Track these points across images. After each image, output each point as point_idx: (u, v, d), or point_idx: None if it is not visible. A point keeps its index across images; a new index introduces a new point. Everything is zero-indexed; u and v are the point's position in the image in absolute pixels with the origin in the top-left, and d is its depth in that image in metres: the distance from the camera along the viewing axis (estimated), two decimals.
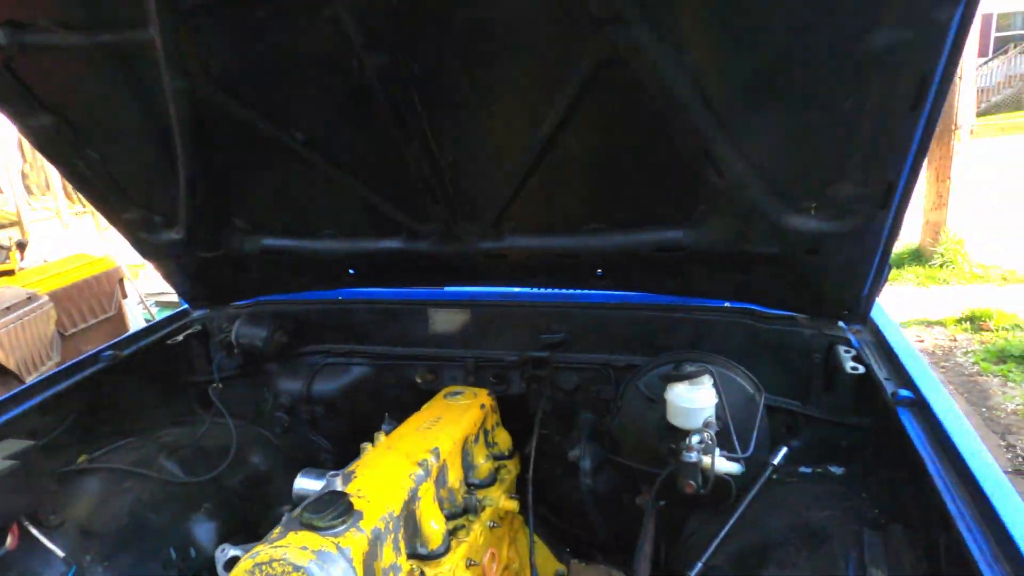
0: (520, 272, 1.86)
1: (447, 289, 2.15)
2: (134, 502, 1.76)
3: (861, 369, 1.54)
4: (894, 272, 7.87)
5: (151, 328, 2.22)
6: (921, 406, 1.30)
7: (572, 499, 1.97)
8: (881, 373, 1.47)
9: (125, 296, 5.20)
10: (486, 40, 1.29)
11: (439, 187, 1.62)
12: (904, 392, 1.35)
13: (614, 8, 1.13)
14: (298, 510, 1.26)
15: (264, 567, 1.11)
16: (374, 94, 1.41)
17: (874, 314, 1.68)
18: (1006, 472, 3.82)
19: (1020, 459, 3.96)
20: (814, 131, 1.24)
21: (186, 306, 2.33)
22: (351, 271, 2.05)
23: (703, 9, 1.13)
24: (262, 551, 1.13)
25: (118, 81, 1.51)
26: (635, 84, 1.25)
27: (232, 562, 1.23)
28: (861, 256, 1.41)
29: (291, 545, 1.13)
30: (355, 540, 1.21)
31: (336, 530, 1.20)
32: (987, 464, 1.08)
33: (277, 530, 1.22)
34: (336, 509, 1.23)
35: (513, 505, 1.79)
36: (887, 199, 1.27)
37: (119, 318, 5.06)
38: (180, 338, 2.20)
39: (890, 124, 1.15)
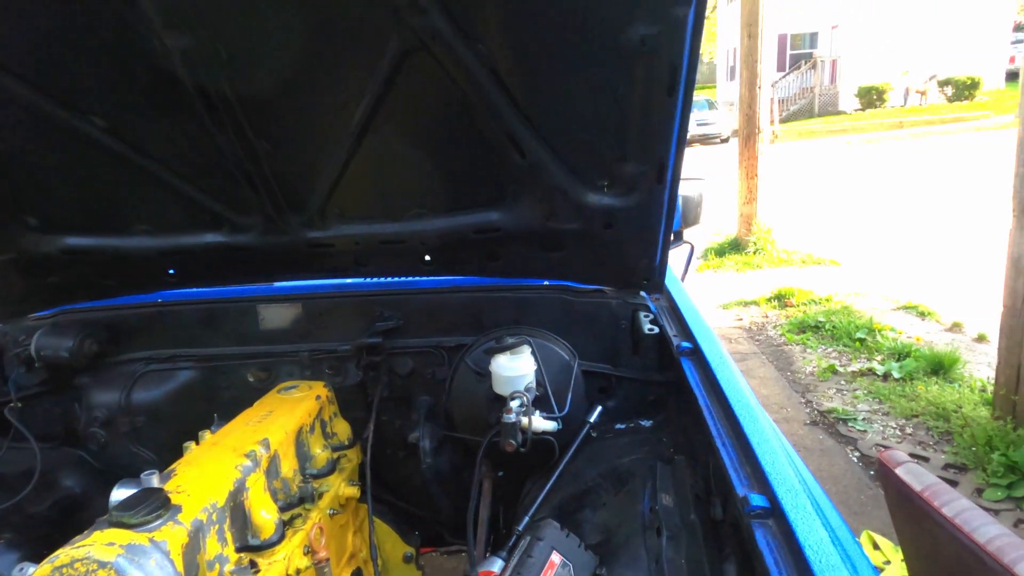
0: (350, 262, 1.89)
1: (276, 284, 2.11)
2: None
3: (656, 330, 1.75)
4: (718, 260, 8.80)
5: None
6: (697, 354, 1.52)
7: (415, 481, 2.02)
8: (671, 331, 1.69)
9: None
10: (293, 22, 1.31)
11: (258, 176, 1.61)
12: (685, 344, 1.56)
13: None
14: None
15: (64, 569, 1.05)
16: (180, 78, 1.37)
17: (668, 284, 1.91)
18: (804, 424, 4.45)
19: (816, 412, 4.61)
20: (596, 116, 1.41)
21: None
22: (170, 271, 1.94)
23: (489, 1, 1.24)
24: (62, 554, 1.07)
25: None
26: (439, 70, 1.34)
27: None
28: (648, 226, 1.61)
29: (96, 543, 1.08)
30: (172, 533, 1.17)
31: (150, 525, 1.16)
32: (740, 394, 1.29)
33: (82, 535, 1.15)
34: (150, 505, 1.18)
35: (353, 491, 1.80)
36: (662, 174, 1.47)
37: None
38: None
39: (655, 107, 1.34)
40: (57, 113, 1.46)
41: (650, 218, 1.59)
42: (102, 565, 1.05)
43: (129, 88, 1.44)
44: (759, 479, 1.05)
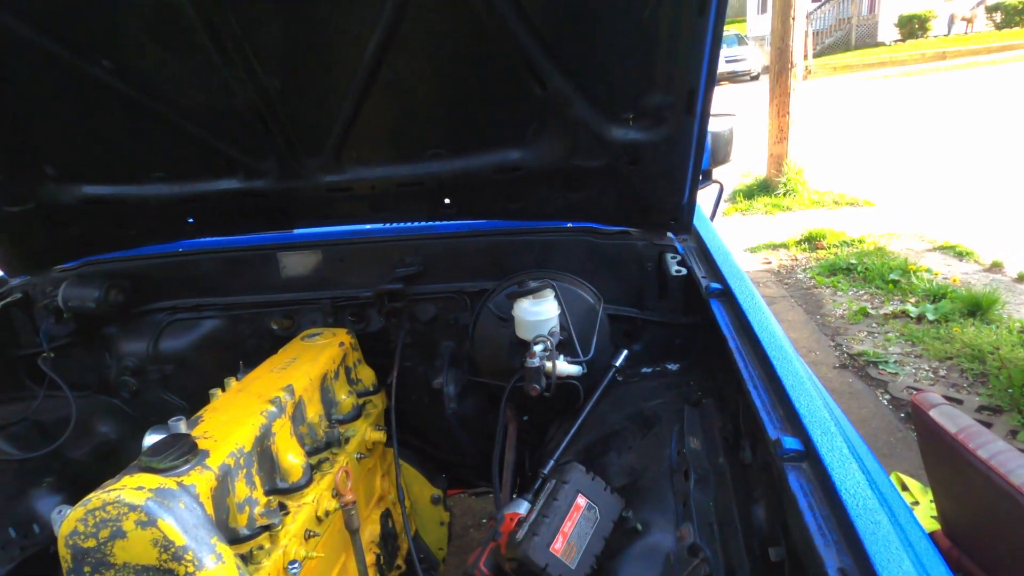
0: (368, 206, 1.85)
1: (296, 232, 2.09)
2: None
3: (684, 271, 1.69)
4: (747, 203, 8.57)
5: None
6: (727, 295, 1.46)
7: (440, 425, 2.03)
8: (700, 272, 1.63)
9: None
10: None
11: (271, 117, 1.56)
12: (715, 285, 1.50)
13: None
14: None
15: (97, 512, 1.07)
16: (186, 12, 1.31)
17: (697, 224, 1.83)
18: (833, 367, 4.38)
19: (846, 355, 4.54)
20: (621, 42, 1.32)
21: (2, 275, 2.11)
22: (189, 219, 1.93)
23: None
24: (94, 497, 1.09)
25: None
26: None
27: None
28: (676, 163, 1.53)
29: (126, 487, 1.09)
30: (200, 477, 1.18)
31: (178, 470, 1.17)
32: (773, 336, 1.24)
33: (112, 479, 1.17)
34: (178, 450, 1.19)
35: (380, 436, 1.82)
36: (691, 105, 1.38)
37: None
38: None
39: (683, 30, 1.24)
40: (66, 57, 1.42)
41: (678, 153, 1.50)
42: (132, 508, 1.06)
43: (135, 26, 1.39)
44: (792, 421, 1.01)
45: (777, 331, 1.26)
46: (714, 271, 1.60)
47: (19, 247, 1.96)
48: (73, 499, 1.78)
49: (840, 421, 1.05)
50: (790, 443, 0.95)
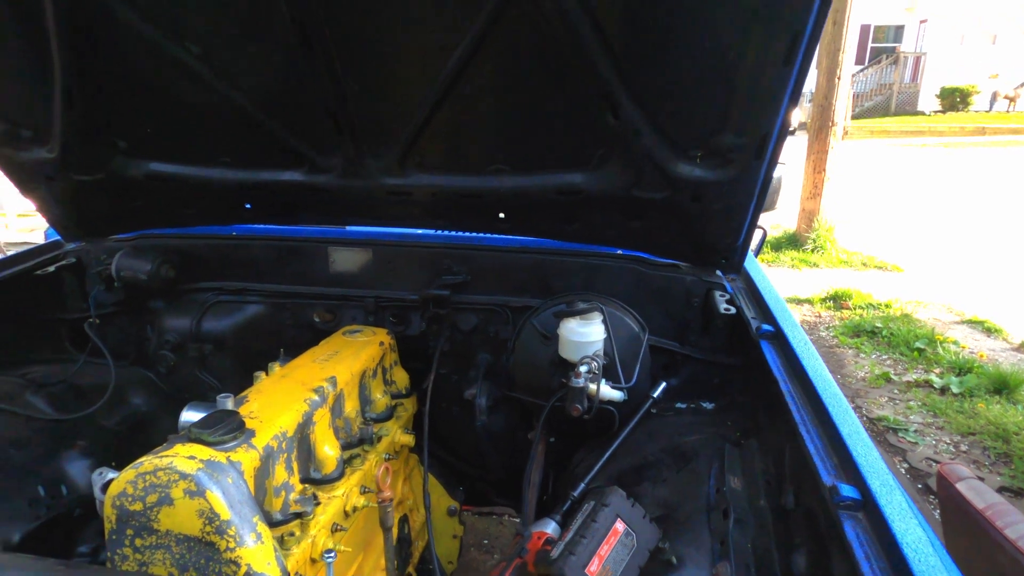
0: (424, 212, 1.88)
1: (348, 228, 2.12)
2: None
3: (733, 310, 1.69)
4: (773, 255, 8.53)
5: (16, 258, 2.04)
6: (779, 338, 1.46)
7: (468, 437, 2.03)
8: (749, 313, 1.63)
9: None
10: None
11: (343, 117, 1.60)
12: (766, 327, 1.50)
13: None
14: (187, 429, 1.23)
15: (147, 476, 1.08)
16: (277, 5, 1.36)
17: (747, 265, 1.84)
18: None
19: (865, 419, 4.47)
20: (701, 81, 1.34)
21: (58, 238, 2.16)
22: (247, 205, 1.97)
23: None
24: (146, 461, 1.10)
25: None
26: (541, 19, 1.29)
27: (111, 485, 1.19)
28: (738, 205, 1.54)
29: (178, 455, 1.11)
30: (246, 455, 1.20)
31: (226, 445, 1.19)
32: (827, 381, 1.23)
33: (163, 446, 1.19)
34: (227, 426, 1.21)
35: (409, 439, 1.83)
36: (762, 150, 1.40)
37: None
38: (51, 269, 2.04)
39: (766, 77, 1.26)
40: (156, 38, 1.47)
41: (741, 195, 1.52)
42: (183, 476, 1.08)
43: (226, 16, 1.44)
44: (848, 469, 1.00)
45: (830, 377, 1.26)
46: (764, 313, 1.60)
47: (80, 214, 2.01)
48: (101, 464, 1.80)
49: (895, 474, 1.05)
50: (847, 491, 0.95)
